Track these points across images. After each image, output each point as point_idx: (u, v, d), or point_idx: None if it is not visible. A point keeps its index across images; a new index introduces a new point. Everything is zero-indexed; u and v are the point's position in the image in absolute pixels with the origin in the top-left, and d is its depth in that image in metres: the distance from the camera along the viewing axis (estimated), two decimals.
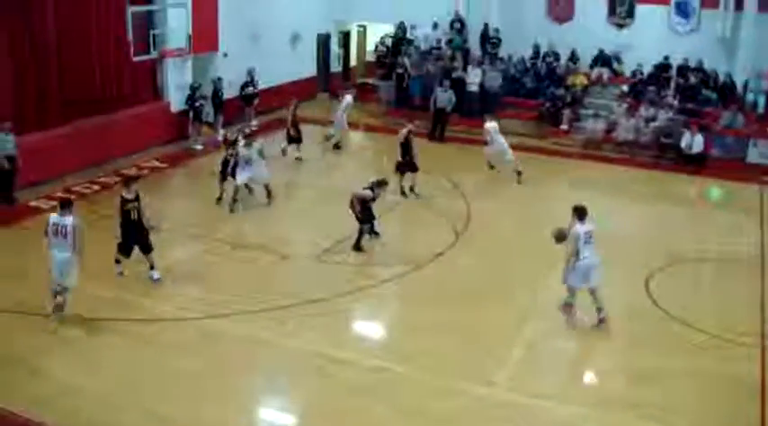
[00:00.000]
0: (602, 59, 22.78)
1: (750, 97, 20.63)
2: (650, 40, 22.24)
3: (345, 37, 27.53)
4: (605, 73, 22.58)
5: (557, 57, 23.05)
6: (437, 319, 10.83)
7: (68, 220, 9.98)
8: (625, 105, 20.87)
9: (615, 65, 22.76)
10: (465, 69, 22.44)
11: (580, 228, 10.41)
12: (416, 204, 15.66)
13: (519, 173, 17.16)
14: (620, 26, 23.13)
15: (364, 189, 13.09)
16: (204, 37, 19.56)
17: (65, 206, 10.13)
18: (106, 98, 17.70)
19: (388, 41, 24.90)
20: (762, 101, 20.42)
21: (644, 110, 20.37)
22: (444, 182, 16.93)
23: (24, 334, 9.97)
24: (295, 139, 18.29)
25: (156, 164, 17.73)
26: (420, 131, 19.34)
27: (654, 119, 20.12)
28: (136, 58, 17.55)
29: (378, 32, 26.02)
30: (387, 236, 13.60)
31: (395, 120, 19.40)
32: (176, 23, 18.55)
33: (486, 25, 23.87)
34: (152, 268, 11.63)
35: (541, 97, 22.05)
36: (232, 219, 14.46)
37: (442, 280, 12.22)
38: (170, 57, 18.98)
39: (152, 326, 10.42)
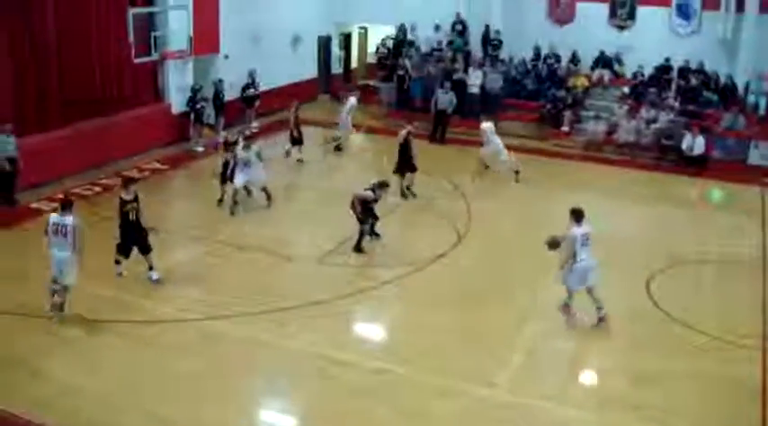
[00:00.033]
0: (603, 61, 22.78)
1: (751, 99, 20.63)
2: (651, 42, 22.24)
3: (346, 39, 27.54)
4: (606, 74, 22.58)
5: (558, 58, 23.06)
6: (438, 320, 10.84)
7: (68, 220, 10.05)
8: (626, 107, 20.87)
9: (616, 66, 22.78)
10: (466, 71, 22.44)
11: (577, 230, 10.43)
12: (417, 205, 15.66)
13: (516, 172, 17.18)
14: (621, 28, 23.13)
15: (365, 190, 13.10)
16: (205, 39, 19.58)
17: (65, 206, 10.21)
18: (107, 100, 17.71)
19: (389, 43, 24.89)
20: (763, 102, 20.40)
21: (645, 112, 20.37)
22: (445, 184, 16.92)
23: (25, 336, 9.97)
24: (296, 141, 18.30)
25: (157, 165, 17.73)
26: (420, 133, 19.36)
27: (655, 120, 20.12)
28: (137, 60, 17.57)
29: (379, 34, 26.02)
30: (387, 238, 13.60)
31: (396, 122, 19.41)
32: (177, 25, 18.58)
33: (487, 27, 23.87)
34: (151, 268, 11.64)
35: (542, 99, 22.05)
36: (233, 221, 14.46)
37: (443, 282, 12.22)
38: (171, 58, 19.00)
39: (153, 327, 10.42)
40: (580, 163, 19.61)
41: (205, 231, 13.98)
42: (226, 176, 14.87)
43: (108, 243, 11.61)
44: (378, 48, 25.32)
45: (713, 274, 13.18)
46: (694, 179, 18.50)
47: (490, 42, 23.68)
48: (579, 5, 23.38)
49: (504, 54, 23.44)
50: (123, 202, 11.37)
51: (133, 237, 11.48)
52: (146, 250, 11.57)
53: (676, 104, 20.45)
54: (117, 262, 11.66)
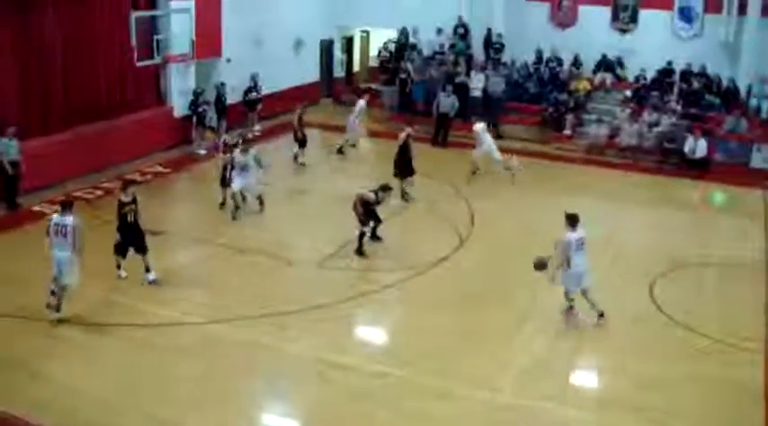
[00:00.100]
0: (605, 64, 22.75)
1: (753, 102, 20.60)
2: (653, 45, 22.22)
3: (348, 42, 27.55)
4: (608, 78, 22.55)
5: (560, 62, 23.03)
6: (439, 323, 10.83)
7: (69, 220, 10.16)
8: (628, 110, 20.84)
9: (618, 70, 22.76)
10: (468, 74, 22.44)
11: (572, 235, 10.48)
12: (419, 209, 15.65)
13: (512, 173, 17.17)
14: (624, 31, 23.12)
15: (369, 192, 13.11)
16: (207, 42, 19.61)
17: (66, 206, 10.36)
18: (110, 103, 17.75)
19: (392, 47, 24.89)
20: (765, 105, 20.38)
21: (647, 115, 20.35)
22: (447, 187, 16.91)
23: (25, 338, 9.99)
24: (300, 143, 18.30)
25: (160, 169, 17.74)
26: (422, 136, 19.39)
27: (657, 124, 20.10)
28: (139, 64, 17.61)
29: (381, 38, 26.04)
30: (390, 241, 13.59)
31: (398, 125, 19.40)
32: (180, 29, 18.61)
33: (489, 30, 23.85)
34: (147, 270, 11.67)
35: (544, 102, 22.02)
36: (234, 224, 14.45)
37: (445, 284, 12.21)
38: (173, 62, 19.02)
39: (153, 330, 10.42)
40: (582, 166, 19.58)
41: (206, 234, 13.99)
42: (226, 179, 14.86)
43: (109, 246, 11.63)
44: (380, 52, 25.33)
45: (715, 277, 13.14)
46: (696, 182, 18.47)
47: (492, 45, 23.67)
48: (581, 9, 23.38)
49: (506, 57, 23.42)
50: (122, 204, 11.45)
51: (131, 238, 11.52)
52: (142, 251, 11.60)
53: (678, 107, 20.42)
54: (119, 267, 11.69)
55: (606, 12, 23.10)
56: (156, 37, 18.02)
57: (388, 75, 24.15)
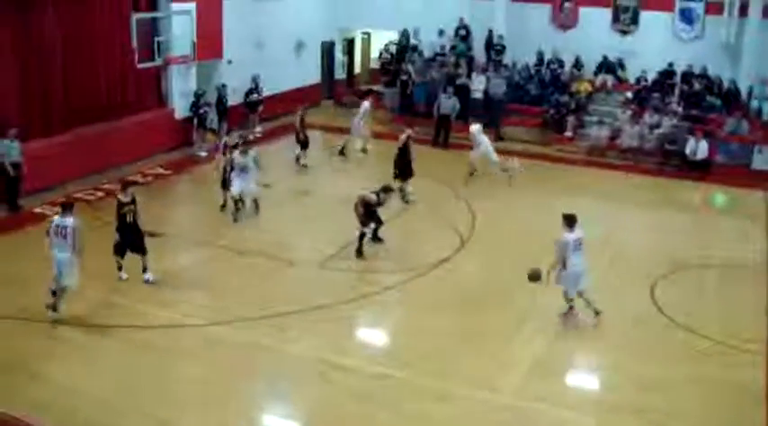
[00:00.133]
0: (606, 66, 22.72)
1: (754, 103, 20.57)
2: (654, 47, 22.21)
3: (350, 44, 27.56)
4: (609, 80, 22.53)
5: (561, 63, 23.01)
6: (439, 325, 10.83)
7: (69, 221, 10.20)
8: (629, 112, 20.83)
9: (619, 71, 22.72)
10: (469, 76, 22.44)
11: (569, 236, 10.49)
12: (420, 210, 15.64)
13: (510, 174, 17.15)
14: (625, 33, 23.09)
15: (371, 193, 13.12)
16: (209, 44, 19.63)
17: (66, 208, 10.44)
18: (111, 105, 17.76)
19: (393, 48, 24.89)
20: (766, 107, 20.35)
21: (648, 117, 20.34)
22: (448, 189, 16.90)
23: (25, 339, 10.00)
24: (303, 145, 18.31)
25: (161, 170, 17.76)
26: (422, 137, 19.38)
27: (658, 125, 20.08)
28: (140, 65, 17.63)
29: (382, 39, 26.04)
30: (391, 243, 13.58)
31: (399, 127, 19.41)
32: (181, 30, 18.63)
33: (490, 32, 23.84)
34: (145, 270, 11.69)
35: (546, 104, 22.00)
36: (235, 226, 14.45)
37: (446, 286, 12.21)
38: (174, 64, 19.04)
39: (153, 331, 10.42)
40: (583, 168, 19.56)
41: (207, 236, 13.99)
42: (227, 181, 14.85)
43: (110, 247, 11.64)
44: (381, 54, 25.33)
45: (717, 279, 13.11)
46: (698, 184, 18.45)
47: (493, 47, 23.66)
48: (582, 10, 23.35)
49: (507, 59, 23.41)
50: (121, 204, 11.49)
51: (129, 238, 11.54)
52: (141, 251, 11.62)
53: (679, 109, 20.39)
54: (119, 268, 11.69)
55: (607, 13, 23.07)
56: (157, 38, 18.04)
57: (390, 77, 24.15)
